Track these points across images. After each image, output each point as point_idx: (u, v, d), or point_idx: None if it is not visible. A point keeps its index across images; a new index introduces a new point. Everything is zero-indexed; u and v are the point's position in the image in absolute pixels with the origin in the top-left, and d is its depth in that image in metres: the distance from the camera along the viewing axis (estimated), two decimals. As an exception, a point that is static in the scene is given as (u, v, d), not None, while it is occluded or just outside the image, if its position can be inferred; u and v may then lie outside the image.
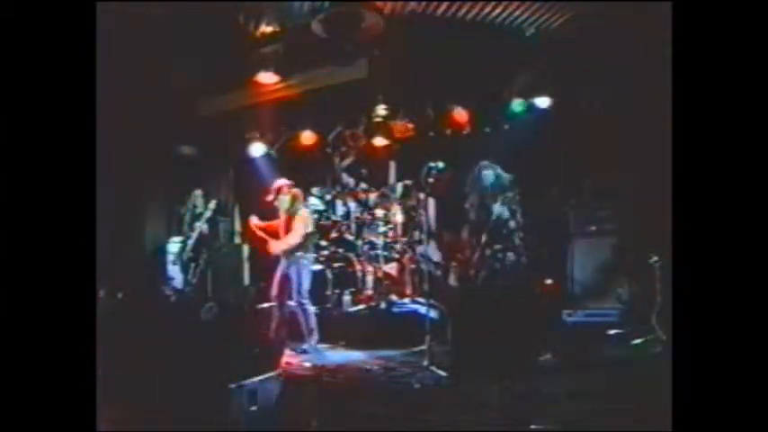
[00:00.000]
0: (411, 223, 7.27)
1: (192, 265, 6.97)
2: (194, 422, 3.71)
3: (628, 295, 5.87)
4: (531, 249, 5.24)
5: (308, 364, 5.14)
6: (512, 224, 5.04)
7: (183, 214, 7.53)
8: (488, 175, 6.41)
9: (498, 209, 4.96)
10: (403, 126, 7.49)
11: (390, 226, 7.15)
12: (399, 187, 7.51)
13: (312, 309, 5.78)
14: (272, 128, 8.40)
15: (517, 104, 6.85)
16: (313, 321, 5.74)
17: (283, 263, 5.77)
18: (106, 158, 3.07)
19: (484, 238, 5.07)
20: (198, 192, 7.52)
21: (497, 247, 5.04)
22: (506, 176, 5.20)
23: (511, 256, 5.03)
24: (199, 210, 7.30)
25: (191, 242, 6.94)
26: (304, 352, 5.57)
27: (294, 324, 5.73)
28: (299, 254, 5.71)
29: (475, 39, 5.92)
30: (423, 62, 6.51)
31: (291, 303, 5.78)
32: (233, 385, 4.11)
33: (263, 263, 7.40)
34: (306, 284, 5.75)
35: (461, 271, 7.09)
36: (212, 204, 7.12)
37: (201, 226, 6.98)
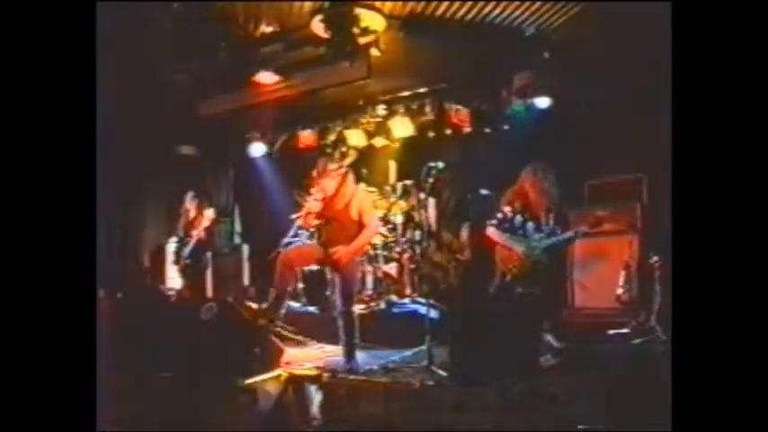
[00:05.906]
0: (411, 223, 7.28)
1: (192, 266, 6.92)
2: (194, 422, 3.71)
3: (628, 295, 5.87)
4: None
5: (308, 364, 5.14)
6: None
7: (177, 218, 7.32)
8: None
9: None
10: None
11: (390, 226, 7.15)
12: (399, 187, 7.51)
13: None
14: (272, 128, 8.41)
15: (517, 104, 6.85)
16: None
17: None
18: (106, 158, 3.08)
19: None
20: (190, 194, 7.18)
21: None
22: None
23: None
24: (192, 215, 7.10)
25: (188, 249, 6.81)
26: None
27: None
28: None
29: (475, 39, 5.91)
30: (423, 62, 6.51)
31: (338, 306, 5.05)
32: (233, 385, 4.12)
33: (264, 263, 7.42)
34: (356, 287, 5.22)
35: (462, 271, 7.09)
36: (210, 213, 6.88)
37: (199, 233, 6.79)
